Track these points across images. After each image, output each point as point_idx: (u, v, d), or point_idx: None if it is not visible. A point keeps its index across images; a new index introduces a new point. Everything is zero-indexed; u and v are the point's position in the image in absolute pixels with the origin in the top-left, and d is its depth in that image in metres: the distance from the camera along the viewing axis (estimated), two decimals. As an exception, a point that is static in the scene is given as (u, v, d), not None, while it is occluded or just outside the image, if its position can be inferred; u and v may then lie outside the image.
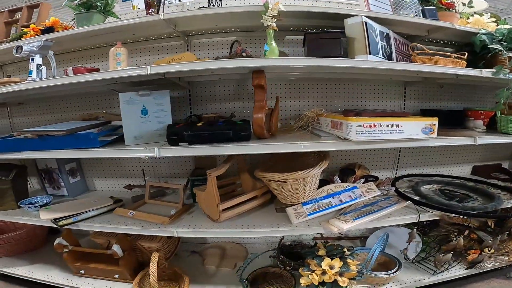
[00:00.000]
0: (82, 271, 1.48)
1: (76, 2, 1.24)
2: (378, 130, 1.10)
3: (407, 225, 1.61)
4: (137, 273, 1.43)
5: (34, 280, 1.48)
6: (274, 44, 1.17)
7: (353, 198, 1.47)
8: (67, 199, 1.64)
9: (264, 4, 1.13)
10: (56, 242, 1.41)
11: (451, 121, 1.63)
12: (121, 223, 1.33)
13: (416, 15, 1.41)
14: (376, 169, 1.85)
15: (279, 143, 1.13)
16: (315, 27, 1.44)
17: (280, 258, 1.50)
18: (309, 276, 1.23)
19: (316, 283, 1.21)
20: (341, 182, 1.56)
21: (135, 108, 1.22)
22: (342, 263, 1.24)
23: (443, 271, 1.43)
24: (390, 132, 1.12)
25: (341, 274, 1.22)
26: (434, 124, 1.18)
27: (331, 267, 1.24)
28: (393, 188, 1.56)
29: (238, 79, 1.59)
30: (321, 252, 1.34)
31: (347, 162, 1.80)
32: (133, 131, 1.23)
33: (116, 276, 1.45)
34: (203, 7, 1.31)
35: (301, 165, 1.31)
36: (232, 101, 1.63)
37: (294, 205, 1.37)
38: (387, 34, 1.31)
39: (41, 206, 1.46)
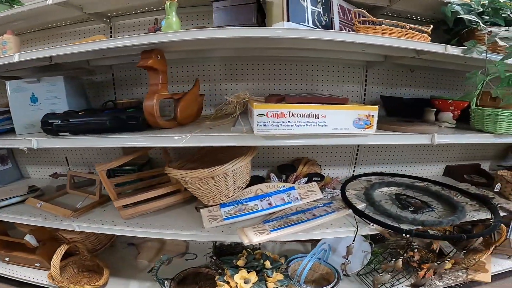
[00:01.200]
0: (7, 259, 1.40)
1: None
2: (289, 122, 0.84)
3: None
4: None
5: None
6: (174, 18, 0.93)
7: (287, 201, 1.25)
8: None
9: None
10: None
11: (415, 112, 1.33)
12: (28, 214, 1.20)
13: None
14: (330, 166, 1.61)
15: (152, 136, 0.93)
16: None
17: (213, 259, 1.33)
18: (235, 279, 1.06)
19: None
20: (279, 180, 1.34)
21: (24, 96, 1.04)
22: (257, 278, 1.05)
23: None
24: (307, 125, 0.85)
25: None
26: (372, 115, 0.88)
27: (246, 282, 1.06)
28: (339, 191, 1.31)
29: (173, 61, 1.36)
30: (240, 262, 1.16)
31: (296, 157, 1.56)
32: (22, 120, 1.07)
33: (37, 264, 1.36)
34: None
35: (231, 158, 1.08)
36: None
37: (211, 206, 1.17)
38: (325, 0, 1.01)
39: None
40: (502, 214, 1.22)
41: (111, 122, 0.92)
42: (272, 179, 1.34)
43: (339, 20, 1.09)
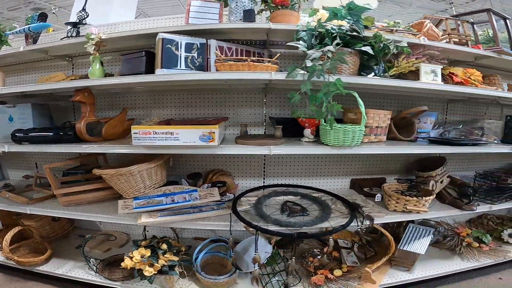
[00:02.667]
0: None
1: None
2: (153, 137, 1.40)
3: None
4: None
5: None
6: (97, 66, 1.56)
7: (187, 200, 1.75)
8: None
9: (86, 35, 1.52)
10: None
11: (297, 130, 1.70)
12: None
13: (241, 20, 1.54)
14: (243, 177, 2.10)
15: (71, 145, 1.56)
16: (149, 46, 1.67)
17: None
18: (125, 260, 1.56)
19: (127, 267, 1.53)
20: (188, 184, 1.86)
21: (3, 117, 1.71)
22: (149, 254, 1.55)
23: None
24: (166, 139, 1.40)
25: (151, 265, 1.52)
26: (213, 132, 1.40)
27: (142, 256, 1.56)
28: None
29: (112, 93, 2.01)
30: (144, 243, 1.66)
31: (214, 168, 2.07)
32: (2, 132, 1.70)
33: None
34: (65, 37, 1.74)
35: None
36: (106, 110, 2.04)
37: (128, 198, 1.71)
38: (200, 44, 1.55)
39: None
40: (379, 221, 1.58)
41: (53, 136, 1.53)
42: (183, 183, 1.87)
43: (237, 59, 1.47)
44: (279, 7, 1.64)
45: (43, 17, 1.73)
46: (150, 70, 1.53)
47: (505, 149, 1.75)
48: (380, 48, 1.52)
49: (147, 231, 1.90)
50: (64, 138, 1.57)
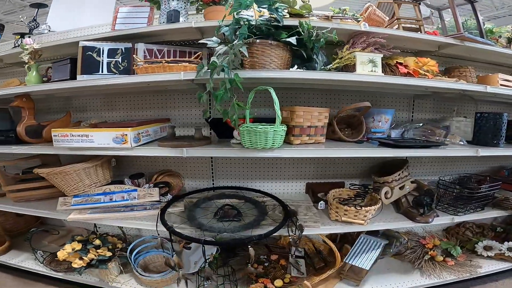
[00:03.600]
0: None
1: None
2: (71, 139, 1.47)
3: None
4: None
5: None
6: (34, 73, 1.65)
7: (126, 199, 1.78)
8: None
9: (20, 45, 1.61)
10: None
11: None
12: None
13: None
14: (192, 178, 2.09)
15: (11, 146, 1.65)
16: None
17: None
18: (58, 253, 1.64)
19: (60, 259, 1.63)
20: (130, 184, 1.89)
21: None
22: (79, 248, 1.61)
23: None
24: (82, 141, 1.46)
25: (81, 258, 1.59)
26: (126, 135, 1.43)
27: (73, 249, 1.62)
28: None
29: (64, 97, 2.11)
30: (79, 238, 1.73)
31: (163, 168, 2.08)
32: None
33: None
34: (14, 47, 1.85)
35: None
36: (58, 113, 2.14)
37: (68, 196, 1.77)
38: (125, 49, 1.60)
39: None
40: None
41: (4, 139, 1.66)
42: (125, 183, 1.89)
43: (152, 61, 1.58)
44: (210, 4, 1.60)
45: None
46: (74, 76, 1.58)
47: (466, 151, 1.53)
48: (310, 37, 1.41)
49: (99, 227, 1.99)
50: (6, 140, 1.67)
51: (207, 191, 1.96)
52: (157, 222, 1.54)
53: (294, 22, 1.41)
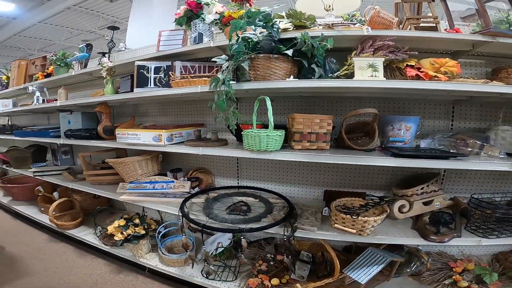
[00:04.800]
0: (42, 209, 2.97)
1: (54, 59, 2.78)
2: (127, 137, 1.97)
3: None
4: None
5: (24, 214, 3.08)
6: (110, 86, 2.26)
7: (164, 187, 2.21)
8: (57, 167, 3.15)
9: (100, 63, 2.23)
10: (36, 188, 3.02)
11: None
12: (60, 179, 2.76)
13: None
14: (221, 176, 2.39)
15: (92, 141, 2.29)
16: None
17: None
18: (108, 227, 2.17)
19: (109, 232, 2.16)
20: (171, 177, 2.31)
21: (65, 120, 2.66)
22: (123, 224, 2.10)
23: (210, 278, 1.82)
24: (133, 139, 1.94)
25: (122, 233, 2.09)
26: (161, 135, 1.84)
27: (118, 225, 2.13)
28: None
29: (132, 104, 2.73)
30: (126, 216, 2.24)
31: (199, 166, 2.44)
32: (63, 130, 2.65)
33: (54, 212, 2.81)
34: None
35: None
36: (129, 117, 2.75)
37: (126, 182, 2.31)
38: (167, 66, 2.02)
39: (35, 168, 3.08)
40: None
41: (84, 135, 2.32)
42: (168, 175, 2.33)
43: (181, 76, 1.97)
44: (227, 24, 1.86)
45: (89, 47, 2.59)
46: (133, 89, 2.10)
47: (500, 165, 1.30)
48: (308, 47, 1.50)
49: (145, 212, 2.47)
50: (90, 136, 2.33)
51: (232, 188, 2.21)
52: (179, 208, 1.86)
53: (293, 34, 1.52)
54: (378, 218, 1.45)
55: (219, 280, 1.83)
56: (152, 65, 2.02)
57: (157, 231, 2.13)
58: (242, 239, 1.55)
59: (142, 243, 2.08)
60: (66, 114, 2.65)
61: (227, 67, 1.52)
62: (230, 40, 1.59)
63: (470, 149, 1.50)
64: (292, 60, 1.57)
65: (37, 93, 2.76)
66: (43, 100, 2.83)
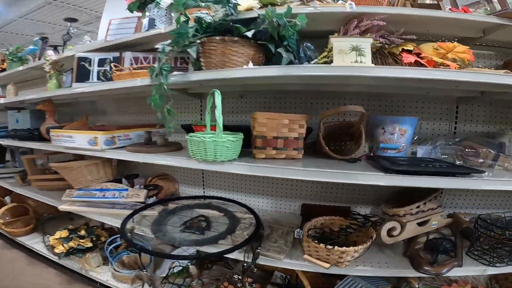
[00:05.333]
0: None
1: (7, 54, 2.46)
2: (61, 139, 1.65)
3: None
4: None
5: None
6: (54, 81, 1.93)
7: (116, 196, 1.88)
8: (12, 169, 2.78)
9: (44, 56, 1.89)
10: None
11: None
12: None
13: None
14: (186, 184, 2.05)
15: (33, 142, 1.99)
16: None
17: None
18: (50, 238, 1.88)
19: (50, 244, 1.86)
20: (127, 184, 1.98)
21: (13, 119, 2.34)
22: (64, 236, 1.78)
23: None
24: (68, 141, 1.62)
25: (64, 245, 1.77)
26: (97, 137, 1.51)
27: (60, 237, 1.83)
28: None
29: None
30: (71, 226, 1.92)
31: (162, 172, 2.10)
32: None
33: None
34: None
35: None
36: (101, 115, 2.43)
37: (74, 188, 1.97)
38: (114, 58, 1.70)
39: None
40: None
41: (27, 135, 2.01)
42: (123, 182, 1.99)
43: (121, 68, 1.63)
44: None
45: (44, 40, 2.25)
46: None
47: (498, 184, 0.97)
48: (274, 26, 1.16)
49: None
50: (33, 137, 2.00)
51: (196, 199, 1.89)
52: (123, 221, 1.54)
53: (254, 14, 1.19)
54: (359, 248, 1.13)
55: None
56: (96, 57, 1.69)
57: (106, 244, 1.81)
58: (190, 266, 1.24)
59: (88, 256, 1.77)
60: (14, 112, 2.33)
61: (165, 54, 1.18)
62: (177, 22, 1.25)
63: (481, 161, 1.17)
64: (255, 45, 1.24)
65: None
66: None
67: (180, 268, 1.70)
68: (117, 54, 1.68)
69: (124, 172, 2.15)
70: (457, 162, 1.19)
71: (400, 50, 1.13)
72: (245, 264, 1.25)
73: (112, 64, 1.60)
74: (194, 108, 1.92)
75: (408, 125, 1.31)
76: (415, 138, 1.35)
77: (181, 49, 1.18)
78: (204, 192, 1.97)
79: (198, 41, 1.22)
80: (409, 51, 1.12)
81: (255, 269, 1.25)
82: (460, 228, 1.31)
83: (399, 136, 1.32)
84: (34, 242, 2.23)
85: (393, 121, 1.31)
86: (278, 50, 1.18)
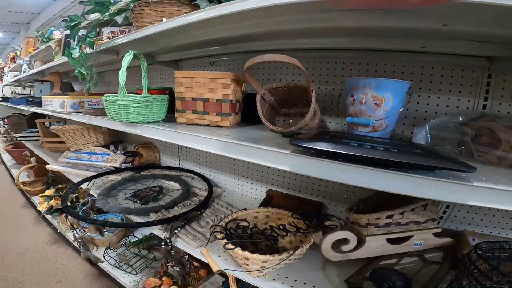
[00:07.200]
0: (27, 173, 3.09)
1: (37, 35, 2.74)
2: (46, 103, 1.85)
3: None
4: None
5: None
6: (59, 56, 2.04)
7: (97, 160, 1.93)
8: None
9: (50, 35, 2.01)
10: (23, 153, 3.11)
11: None
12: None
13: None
14: (166, 154, 2.00)
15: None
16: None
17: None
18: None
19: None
20: (113, 150, 2.01)
21: (38, 89, 2.60)
22: (48, 194, 1.93)
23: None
24: (49, 105, 1.78)
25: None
26: (64, 102, 1.63)
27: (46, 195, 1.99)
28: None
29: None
30: (59, 186, 2.06)
31: (145, 141, 2.07)
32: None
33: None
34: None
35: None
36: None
37: (70, 151, 2.11)
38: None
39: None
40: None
41: (40, 103, 2.18)
42: (109, 148, 2.03)
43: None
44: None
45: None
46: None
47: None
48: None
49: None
50: (40, 103, 2.17)
51: (165, 169, 1.81)
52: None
53: None
54: (274, 258, 0.81)
55: (120, 269, 1.64)
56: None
57: (81, 204, 1.88)
58: (106, 233, 1.15)
59: (63, 216, 1.87)
60: (39, 84, 2.62)
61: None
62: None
63: (500, 153, 0.68)
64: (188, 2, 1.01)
65: (25, 65, 2.81)
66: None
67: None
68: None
69: (118, 138, 2.19)
70: (456, 151, 0.72)
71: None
72: (162, 244, 1.08)
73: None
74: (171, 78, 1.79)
75: (388, 91, 0.86)
76: (401, 110, 0.89)
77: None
78: (179, 164, 1.86)
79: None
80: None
81: (172, 251, 1.06)
82: (461, 253, 0.84)
83: (373, 106, 0.88)
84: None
85: (365, 83, 0.87)
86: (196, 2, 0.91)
